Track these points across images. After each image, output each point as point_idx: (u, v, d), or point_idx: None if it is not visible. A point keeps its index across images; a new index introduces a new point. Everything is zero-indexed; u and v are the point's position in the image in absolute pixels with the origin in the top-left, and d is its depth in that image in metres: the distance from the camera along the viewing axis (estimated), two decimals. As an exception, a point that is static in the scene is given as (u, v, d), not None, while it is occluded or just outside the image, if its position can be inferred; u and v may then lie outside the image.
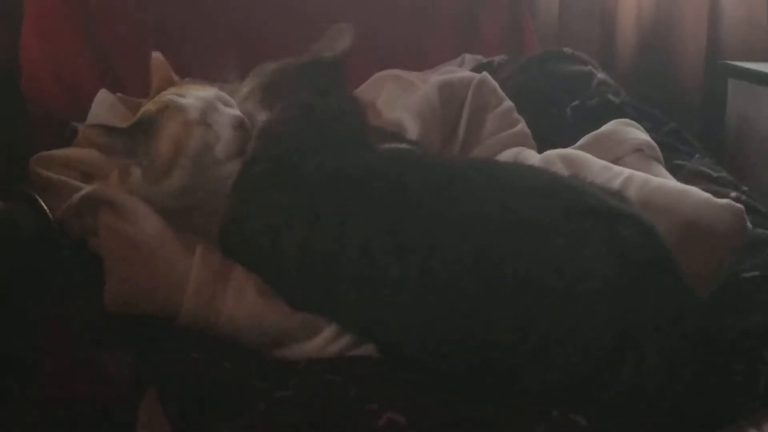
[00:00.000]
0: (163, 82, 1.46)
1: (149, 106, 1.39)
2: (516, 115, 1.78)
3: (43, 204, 1.33)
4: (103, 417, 1.10)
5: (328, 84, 1.44)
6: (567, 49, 2.11)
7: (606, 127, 1.69)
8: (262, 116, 1.40)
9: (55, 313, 1.23)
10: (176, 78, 1.49)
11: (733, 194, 1.56)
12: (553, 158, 1.55)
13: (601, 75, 2.02)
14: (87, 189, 1.37)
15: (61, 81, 1.97)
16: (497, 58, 2.19)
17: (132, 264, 1.26)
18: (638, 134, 1.66)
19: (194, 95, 1.37)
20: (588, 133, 1.69)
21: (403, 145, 1.51)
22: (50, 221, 1.32)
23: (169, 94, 1.39)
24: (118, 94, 1.81)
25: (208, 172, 1.35)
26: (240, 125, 1.36)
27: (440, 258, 1.13)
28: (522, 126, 1.76)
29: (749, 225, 1.33)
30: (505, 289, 1.10)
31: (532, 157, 1.61)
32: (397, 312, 1.16)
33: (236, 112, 1.38)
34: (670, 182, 1.45)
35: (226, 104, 1.39)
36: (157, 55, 1.49)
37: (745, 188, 1.63)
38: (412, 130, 1.70)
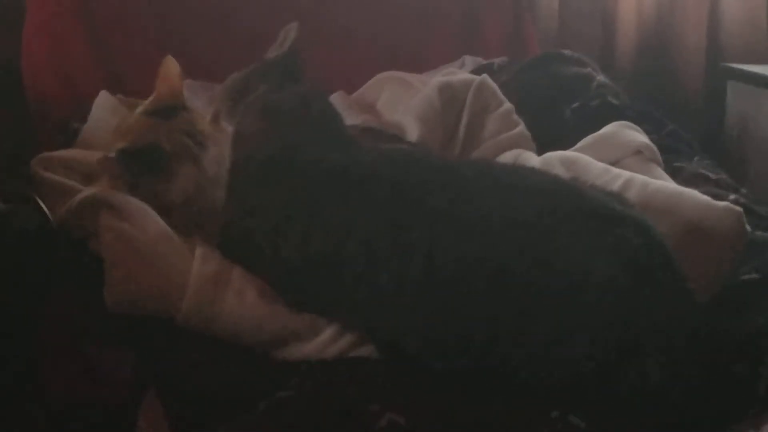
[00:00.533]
0: (171, 94, 1.45)
1: (161, 138, 1.38)
2: (516, 117, 1.78)
3: (43, 205, 1.33)
4: (103, 417, 1.10)
5: (284, 78, 1.43)
6: (567, 51, 2.11)
7: (605, 130, 1.69)
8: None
9: (55, 314, 1.23)
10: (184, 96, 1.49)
11: (732, 197, 1.56)
12: (553, 160, 1.55)
13: (600, 77, 2.02)
14: (88, 191, 1.37)
15: (62, 81, 1.97)
16: (497, 60, 2.20)
17: (132, 265, 1.26)
18: (638, 136, 1.66)
19: (212, 150, 1.38)
20: (588, 135, 1.69)
21: (404, 146, 1.51)
22: (50, 222, 1.32)
23: (185, 133, 1.39)
24: (119, 96, 1.81)
25: (209, 220, 1.36)
26: None
27: (442, 257, 1.13)
28: (522, 128, 1.77)
29: (748, 227, 1.33)
30: (507, 289, 1.10)
31: (531, 159, 1.61)
32: (399, 311, 1.16)
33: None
34: (669, 185, 1.46)
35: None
36: (171, 62, 1.48)
37: (744, 190, 1.63)
38: (413, 131, 1.71)
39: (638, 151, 1.61)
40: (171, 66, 1.47)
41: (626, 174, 1.45)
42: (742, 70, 2.39)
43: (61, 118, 1.83)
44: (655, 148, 1.63)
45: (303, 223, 1.23)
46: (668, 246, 1.16)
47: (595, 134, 1.69)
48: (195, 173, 1.36)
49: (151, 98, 1.46)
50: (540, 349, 1.09)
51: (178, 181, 1.36)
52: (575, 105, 1.91)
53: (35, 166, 1.50)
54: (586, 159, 1.53)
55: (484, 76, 1.83)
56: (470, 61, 2.26)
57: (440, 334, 1.14)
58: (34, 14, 1.98)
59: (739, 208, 1.33)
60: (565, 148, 1.64)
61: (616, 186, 1.40)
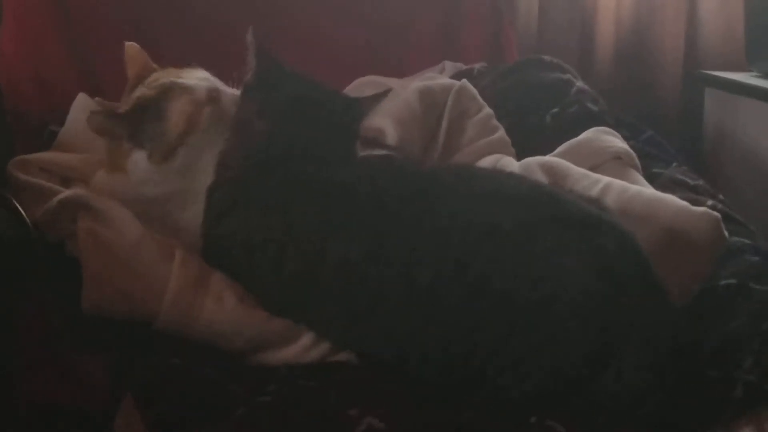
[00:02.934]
0: (143, 70, 1.50)
1: (144, 91, 1.43)
2: (495, 122, 1.79)
3: (20, 208, 1.32)
4: (80, 422, 1.09)
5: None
6: (546, 57, 2.12)
7: (584, 135, 1.70)
8: None
9: (32, 317, 1.22)
10: (155, 66, 1.53)
11: (710, 202, 1.57)
12: (533, 166, 1.55)
13: (579, 83, 2.02)
14: (65, 193, 1.36)
15: (40, 84, 1.95)
16: (477, 66, 2.20)
17: (110, 268, 1.26)
18: (616, 142, 1.67)
19: (193, 76, 1.44)
20: (567, 140, 1.69)
21: (383, 152, 1.50)
22: (27, 225, 1.31)
23: (163, 79, 1.43)
24: (97, 99, 1.80)
25: (215, 148, 1.37)
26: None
27: (421, 268, 1.13)
28: (501, 133, 1.77)
29: (726, 233, 1.34)
30: (486, 298, 1.10)
31: (511, 164, 1.62)
32: (377, 321, 1.16)
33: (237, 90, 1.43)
34: (647, 190, 1.46)
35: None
36: (131, 45, 1.53)
37: (721, 197, 1.64)
38: (392, 136, 1.70)
39: (617, 157, 1.61)
40: (132, 49, 1.52)
41: (605, 179, 1.46)
42: (719, 78, 2.40)
43: (39, 121, 1.81)
44: (633, 153, 1.64)
45: (277, 243, 1.23)
46: (645, 253, 1.16)
47: (574, 140, 1.69)
48: (186, 95, 1.40)
49: (127, 87, 1.51)
50: (519, 357, 1.09)
51: (175, 109, 1.39)
52: (554, 110, 1.91)
53: (12, 168, 1.48)
54: (565, 164, 1.54)
55: (464, 81, 1.83)
56: (450, 66, 2.26)
57: (419, 344, 1.14)
58: (10, 17, 1.96)
59: (717, 214, 1.34)
60: (544, 153, 1.64)
61: (594, 191, 1.41)
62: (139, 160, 1.40)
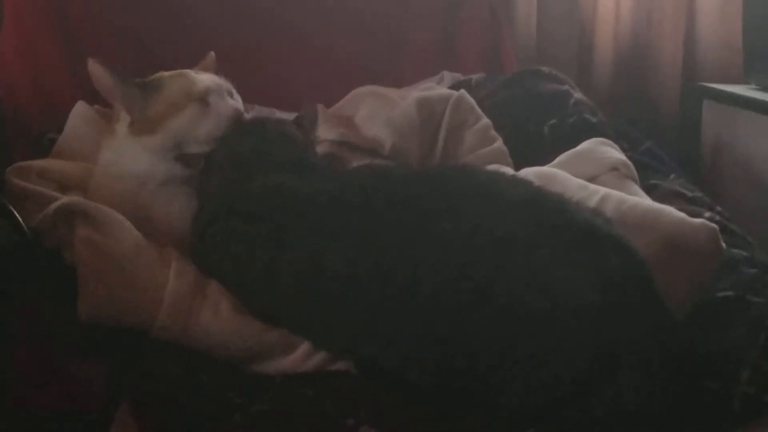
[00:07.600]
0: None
1: (163, 73, 1.51)
2: (493, 132, 1.79)
3: (17, 215, 1.32)
4: (76, 428, 1.09)
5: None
6: (544, 68, 2.12)
7: (582, 146, 1.70)
8: None
9: (29, 324, 1.22)
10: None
11: (708, 214, 1.57)
12: (530, 176, 1.55)
13: (578, 94, 2.02)
14: (62, 200, 1.36)
15: (39, 91, 1.96)
16: (475, 77, 2.20)
17: (107, 276, 1.25)
18: (614, 153, 1.66)
19: (209, 77, 1.50)
20: (565, 151, 1.69)
21: (378, 162, 1.50)
22: (25, 232, 1.31)
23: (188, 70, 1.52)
24: (96, 106, 1.80)
25: (185, 146, 1.44)
26: (238, 118, 1.46)
27: (425, 275, 1.12)
28: (499, 144, 1.77)
29: (723, 245, 1.34)
30: (489, 308, 1.09)
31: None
32: (378, 330, 1.15)
33: (239, 105, 1.49)
34: (645, 201, 1.46)
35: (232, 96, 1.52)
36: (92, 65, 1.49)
37: (719, 208, 1.64)
38: (390, 146, 1.71)
39: (615, 168, 1.61)
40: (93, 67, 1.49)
41: (603, 190, 1.45)
42: (717, 90, 2.41)
43: (37, 129, 1.81)
44: (631, 164, 1.64)
45: (268, 256, 1.23)
46: (647, 265, 1.16)
47: (571, 150, 1.69)
48: (185, 85, 1.47)
49: None
50: (519, 368, 1.09)
51: (168, 92, 1.45)
52: (553, 121, 1.91)
53: (10, 175, 1.48)
54: (562, 175, 1.54)
55: (462, 91, 1.83)
56: (449, 76, 2.26)
57: (420, 351, 1.13)
58: (9, 25, 1.96)
59: (714, 226, 1.33)
60: (542, 164, 1.64)
61: (592, 202, 1.40)
62: (122, 127, 1.48)
